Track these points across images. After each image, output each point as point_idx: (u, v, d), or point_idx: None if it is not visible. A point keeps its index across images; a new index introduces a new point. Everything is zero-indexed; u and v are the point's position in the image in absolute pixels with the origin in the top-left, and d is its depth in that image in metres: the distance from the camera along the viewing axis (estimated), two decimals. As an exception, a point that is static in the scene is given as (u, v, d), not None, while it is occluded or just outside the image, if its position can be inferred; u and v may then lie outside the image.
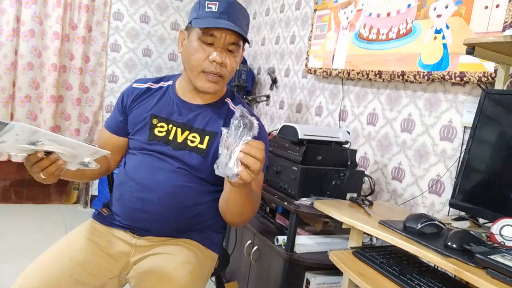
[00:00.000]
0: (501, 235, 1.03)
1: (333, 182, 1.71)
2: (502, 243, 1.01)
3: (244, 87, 2.55)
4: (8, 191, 3.20)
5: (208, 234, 1.23)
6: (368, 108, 2.12)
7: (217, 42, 1.09)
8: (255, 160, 0.84)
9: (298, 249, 1.67)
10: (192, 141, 1.17)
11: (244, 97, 2.53)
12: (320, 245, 1.71)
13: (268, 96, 2.99)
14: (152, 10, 3.35)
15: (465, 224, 1.28)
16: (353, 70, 2.12)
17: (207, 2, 1.10)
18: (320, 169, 1.71)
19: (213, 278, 1.48)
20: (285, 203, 1.67)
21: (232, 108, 1.22)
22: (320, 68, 2.41)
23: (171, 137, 1.18)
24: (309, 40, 2.55)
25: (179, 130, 1.18)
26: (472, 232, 1.06)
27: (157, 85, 1.26)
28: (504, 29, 1.39)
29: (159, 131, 1.19)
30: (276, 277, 1.71)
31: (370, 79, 2.03)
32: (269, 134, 1.98)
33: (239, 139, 0.85)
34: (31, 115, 3.01)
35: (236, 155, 0.84)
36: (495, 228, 1.04)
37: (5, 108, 2.90)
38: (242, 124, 0.85)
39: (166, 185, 1.15)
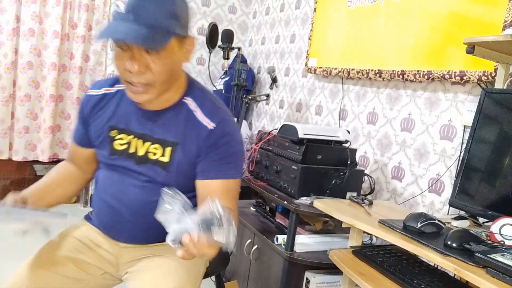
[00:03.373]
0: (500, 234, 1.03)
1: (333, 181, 1.71)
2: (502, 242, 1.01)
3: (244, 86, 2.54)
4: (8, 190, 3.19)
5: None
6: (368, 107, 2.12)
7: (129, 46, 0.93)
8: (200, 251, 0.78)
9: (298, 248, 1.67)
10: (154, 154, 1.06)
11: (244, 96, 2.53)
12: (320, 244, 1.71)
13: (268, 95, 2.99)
14: (152, 9, 3.34)
15: (464, 223, 1.28)
16: (353, 69, 2.12)
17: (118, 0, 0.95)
18: (320, 168, 1.70)
19: (213, 278, 1.48)
20: (285, 202, 1.67)
21: (198, 117, 1.05)
22: (320, 67, 2.41)
23: (132, 150, 1.08)
24: (309, 39, 2.55)
25: (139, 142, 1.07)
26: (472, 231, 1.06)
27: (113, 89, 1.12)
28: (504, 28, 1.39)
29: (120, 144, 1.09)
30: (276, 276, 1.71)
31: (370, 78, 2.03)
32: (269, 133, 1.98)
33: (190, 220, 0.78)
34: (31, 114, 3.01)
35: (180, 230, 0.78)
36: (494, 227, 1.04)
37: (5, 107, 2.90)
38: (210, 218, 0.76)
39: (136, 202, 1.08)
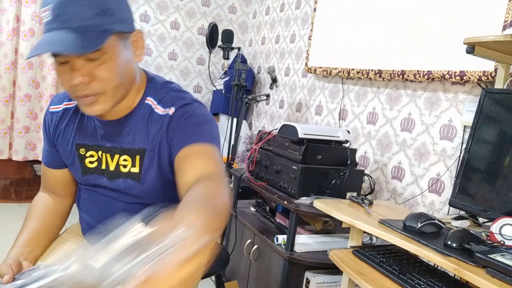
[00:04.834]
0: (500, 234, 1.03)
1: (333, 181, 1.71)
2: (502, 242, 1.01)
3: (244, 86, 2.54)
4: (8, 190, 3.20)
5: None
6: (368, 107, 2.12)
7: (68, 57, 0.82)
8: None
9: (298, 248, 1.67)
10: (125, 166, 0.98)
11: (244, 96, 2.53)
12: (320, 244, 1.71)
13: (268, 95, 2.99)
14: (152, 9, 3.34)
15: (464, 223, 1.28)
16: (353, 69, 2.12)
17: (41, 11, 0.81)
18: (320, 168, 1.70)
19: (213, 278, 1.48)
20: (285, 202, 1.67)
21: (158, 111, 0.96)
22: (320, 67, 2.41)
23: (103, 166, 1.00)
24: (309, 39, 2.55)
25: (108, 156, 0.99)
26: (472, 231, 1.06)
27: (73, 103, 1.03)
28: (504, 28, 1.39)
29: (91, 162, 1.01)
30: (276, 276, 1.71)
31: (370, 78, 2.03)
32: (269, 133, 1.98)
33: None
34: (31, 114, 3.01)
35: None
36: (494, 227, 1.04)
37: (6, 107, 2.91)
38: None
39: None
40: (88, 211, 1.08)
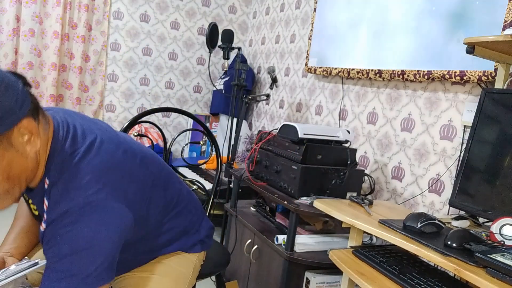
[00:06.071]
0: (500, 234, 1.03)
1: (333, 181, 1.71)
2: (502, 242, 1.01)
3: (244, 86, 2.54)
4: (8, 190, 3.20)
5: (183, 247, 1.13)
6: (368, 107, 2.12)
7: None
8: None
9: (298, 248, 1.67)
10: None
11: (244, 96, 2.53)
12: (320, 244, 1.71)
13: (268, 95, 2.99)
14: (152, 9, 3.34)
15: (465, 223, 1.28)
16: (353, 69, 2.12)
17: None
18: (320, 168, 1.70)
19: (213, 278, 1.48)
20: (285, 202, 1.67)
21: (44, 202, 0.82)
22: (320, 67, 2.41)
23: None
24: (309, 39, 2.55)
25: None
26: (472, 231, 1.06)
27: None
28: (504, 28, 1.39)
29: (34, 209, 0.93)
30: (276, 276, 1.71)
31: (370, 78, 2.03)
32: (269, 133, 1.98)
33: None
34: (31, 114, 3.02)
35: None
36: (494, 227, 1.04)
37: (5, 107, 2.91)
38: None
39: None
40: None
